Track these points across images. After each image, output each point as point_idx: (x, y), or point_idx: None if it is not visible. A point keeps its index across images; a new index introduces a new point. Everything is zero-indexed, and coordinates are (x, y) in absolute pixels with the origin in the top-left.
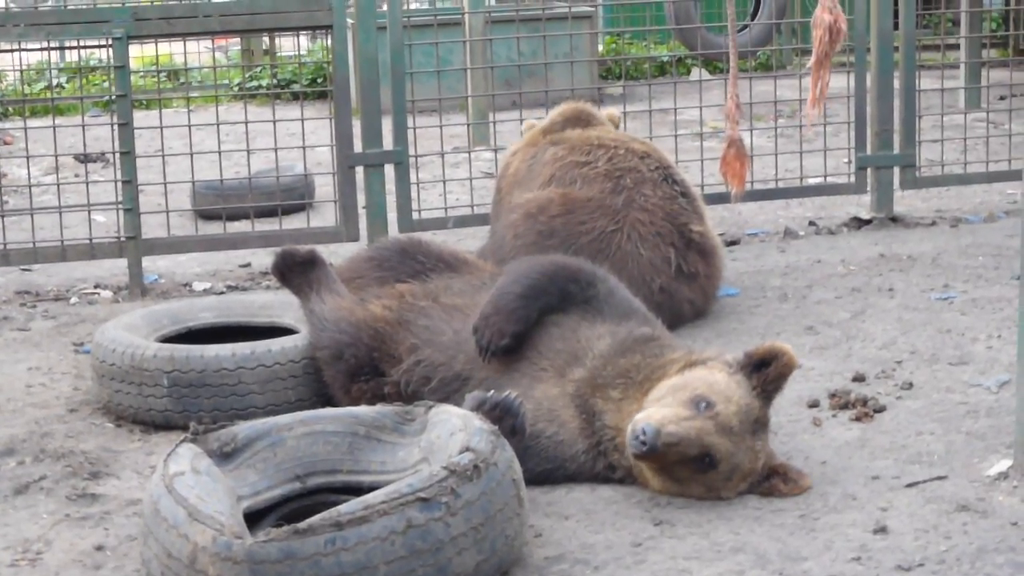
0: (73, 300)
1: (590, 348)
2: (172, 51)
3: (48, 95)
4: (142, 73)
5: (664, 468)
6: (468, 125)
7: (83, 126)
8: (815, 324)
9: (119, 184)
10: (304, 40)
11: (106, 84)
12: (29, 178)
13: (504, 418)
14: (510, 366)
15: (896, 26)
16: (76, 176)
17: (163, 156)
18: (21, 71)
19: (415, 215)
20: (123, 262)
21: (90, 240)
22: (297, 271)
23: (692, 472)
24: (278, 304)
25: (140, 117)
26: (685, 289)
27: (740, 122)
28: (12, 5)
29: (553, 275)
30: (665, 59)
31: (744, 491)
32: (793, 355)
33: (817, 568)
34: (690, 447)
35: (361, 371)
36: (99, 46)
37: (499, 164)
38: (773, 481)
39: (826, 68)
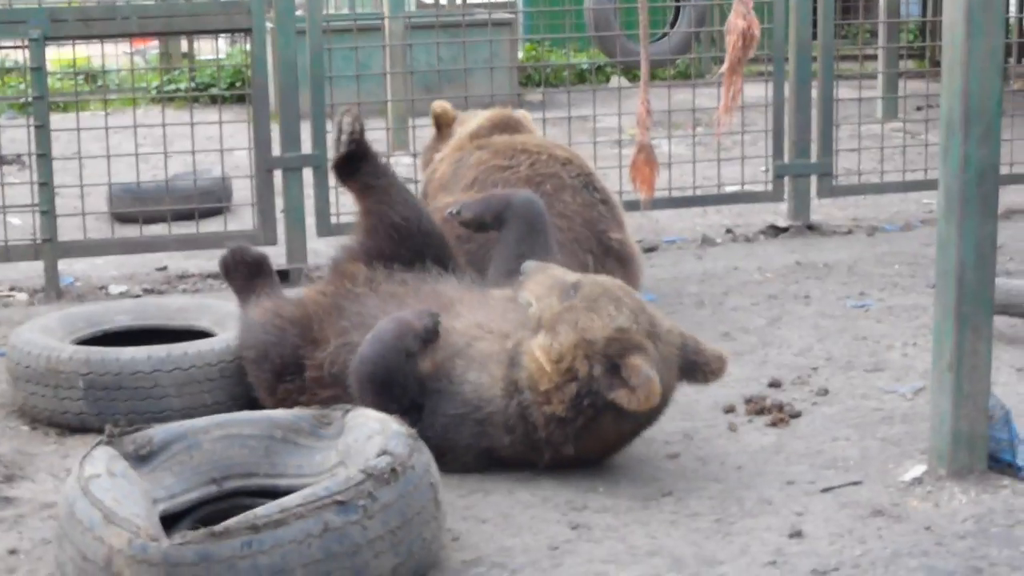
0: None
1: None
2: (90, 53)
3: None
4: (59, 75)
5: None
6: (388, 130)
7: None
8: (731, 330)
9: (35, 186)
10: (223, 43)
11: (22, 86)
12: None
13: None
14: (447, 334)
15: (815, 36)
16: None
17: (80, 159)
18: None
19: (333, 219)
20: (39, 265)
21: (5, 242)
22: (243, 271)
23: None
24: (194, 307)
25: (57, 119)
26: None
27: (651, 128)
28: None
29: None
30: (584, 66)
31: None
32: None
33: (733, 572)
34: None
35: (287, 371)
36: (15, 47)
37: (420, 163)
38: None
39: (739, 74)
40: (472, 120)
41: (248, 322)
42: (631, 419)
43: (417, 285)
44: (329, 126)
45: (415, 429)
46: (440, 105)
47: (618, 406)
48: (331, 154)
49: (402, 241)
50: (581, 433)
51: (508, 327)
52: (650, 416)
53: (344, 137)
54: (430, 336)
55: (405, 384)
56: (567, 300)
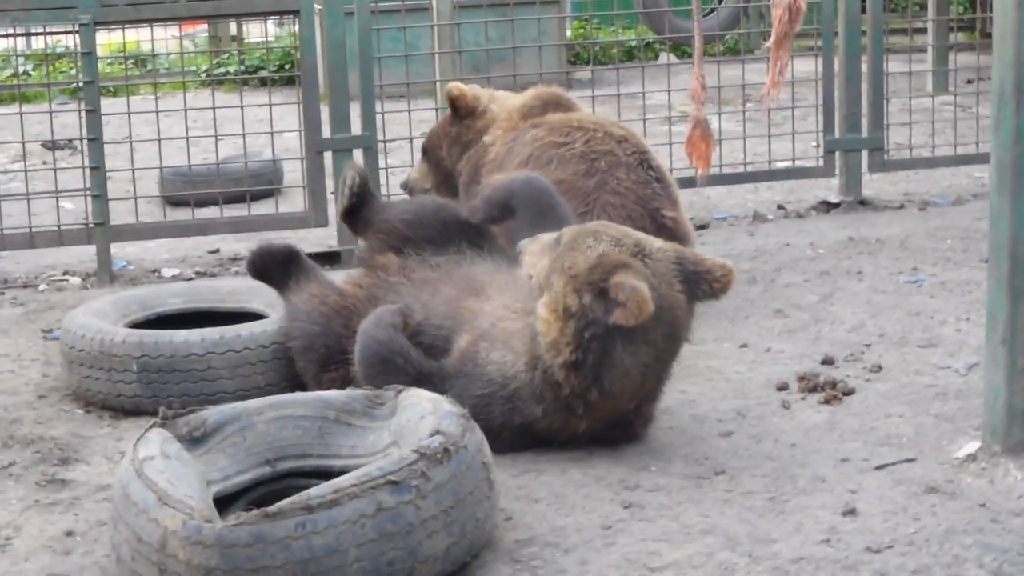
0: (42, 287)
1: None
2: (139, 38)
3: (15, 82)
4: (109, 60)
5: None
6: (436, 110)
7: (50, 113)
8: (784, 307)
9: (87, 171)
10: (272, 26)
11: (73, 71)
12: None
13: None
14: (475, 316)
15: (863, 10)
16: (44, 163)
17: (131, 143)
18: None
19: (384, 198)
20: (92, 249)
21: (58, 227)
22: (275, 267)
23: None
24: (246, 289)
25: (107, 104)
26: None
27: (705, 103)
28: None
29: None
30: (633, 44)
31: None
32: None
33: (786, 550)
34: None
35: (332, 359)
36: (66, 32)
37: (428, 144)
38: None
39: (785, 48)
40: (513, 99)
41: (293, 311)
42: (643, 346)
43: (450, 270)
44: (378, 107)
45: None
46: (457, 87)
47: (622, 331)
48: (337, 205)
49: (416, 234)
50: (599, 373)
51: (532, 304)
52: (667, 343)
53: (346, 191)
54: (405, 311)
55: (404, 353)
56: (553, 253)
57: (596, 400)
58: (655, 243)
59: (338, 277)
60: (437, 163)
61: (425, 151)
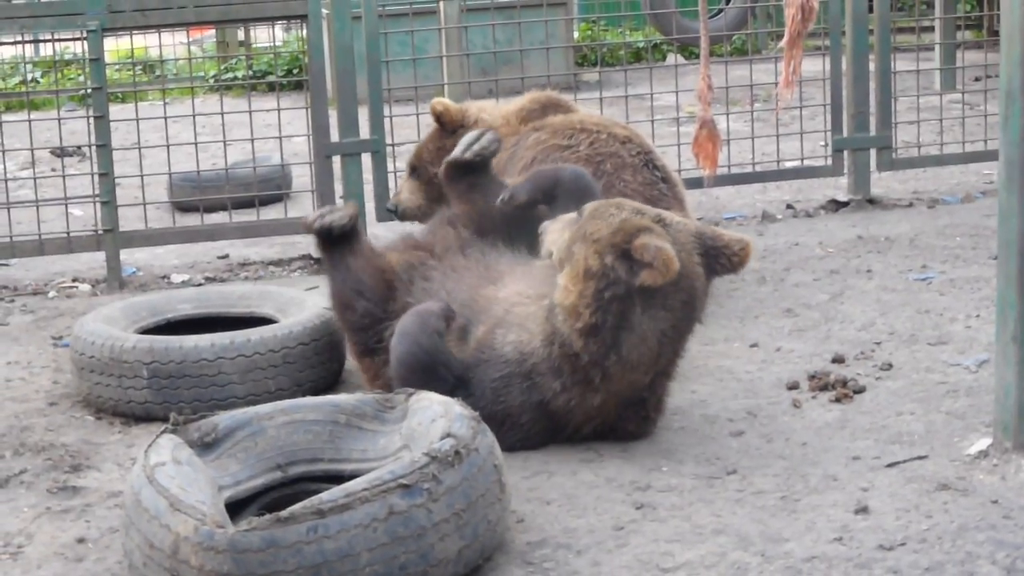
0: (51, 294)
1: None
2: (147, 44)
3: (23, 89)
4: (117, 66)
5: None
6: None
7: (59, 120)
8: (794, 306)
9: (96, 177)
10: (279, 31)
11: (81, 78)
12: (5, 173)
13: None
14: (491, 304)
15: (871, 8)
16: (53, 170)
17: (139, 149)
18: None
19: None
20: (101, 255)
21: (67, 234)
22: (337, 240)
23: None
24: (256, 294)
25: (116, 110)
26: None
27: (712, 104)
28: None
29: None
30: (640, 45)
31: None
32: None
33: (799, 549)
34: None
35: (372, 326)
36: (74, 39)
37: (414, 160)
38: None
39: (798, 48)
40: (505, 106)
41: (337, 274)
42: (661, 311)
43: (477, 259)
44: (386, 111)
45: (467, 401)
46: (440, 102)
47: (643, 294)
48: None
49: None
50: (618, 337)
51: (546, 289)
52: (684, 310)
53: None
54: (448, 312)
55: (447, 362)
56: (575, 225)
57: (614, 367)
58: (676, 216)
59: (387, 241)
60: (428, 180)
61: (414, 168)
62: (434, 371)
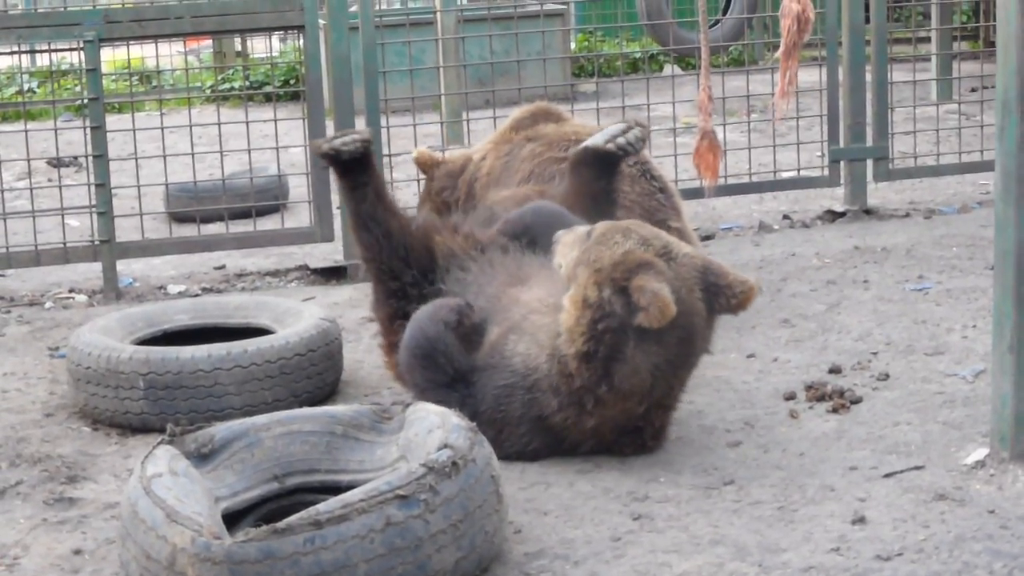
0: (48, 305)
1: None
2: (144, 54)
3: (19, 100)
4: (114, 76)
5: None
6: (442, 124)
7: (55, 130)
8: (790, 317)
9: (92, 188)
10: (276, 41)
11: (78, 88)
12: (1, 183)
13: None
14: (512, 306)
15: (867, 19)
16: (49, 180)
17: (136, 159)
18: None
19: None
20: (97, 266)
21: (64, 244)
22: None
23: None
24: (253, 305)
25: (112, 120)
26: None
27: (712, 114)
28: None
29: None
30: (637, 55)
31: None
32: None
33: (796, 559)
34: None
35: (393, 274)
36: (70, 49)
37: (460, 166)
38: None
39: (794, 58)
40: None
41: (390, 244)
42: (655, 346)
43: (513, 256)
44: (383, 121)
45: (467, 401)
46: (420, 153)
47: (636, 330)
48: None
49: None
50: (609, 367)
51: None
52: (680, 347)
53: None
54: (464, 309)
55: (448, 353)
56: (583, 245)
57: (605, 395)
58: (684, 248)
59: (432, 220)
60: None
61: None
62: (434, 359)
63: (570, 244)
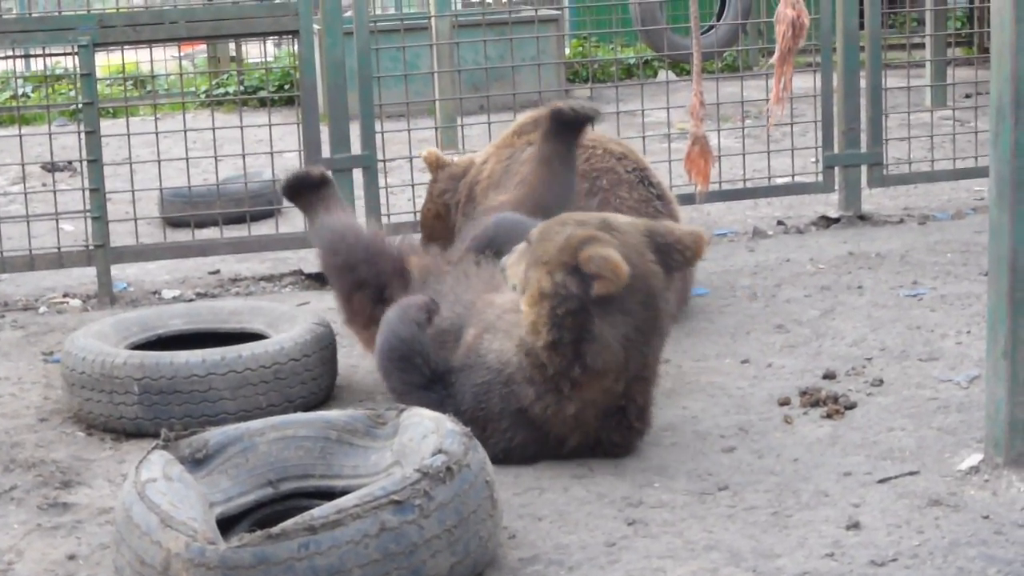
0: (42, 309)
1: None
2: (138, 59)
3: (14, 104)
4: (109, 81)
5: None
6: (436, 129)
7: (50, 135)
8: (785, 322)
9: (87, 192)
10: (271, 46)
11: (72, 92)
12: None
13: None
14: (487, 308)
15: (862, 25)
16: (43, 185)
17: (131, 164)
18: None
19: (384, 219)
20: (92, 271)
21: (58, 249)
22: (309, 191)
23: None
24: (247, 310)
25: (107, 125)
26: None
27: (704, 120)
28: None
29: None
30: (632, 61)
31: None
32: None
33: (791, 565)
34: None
35: (367, 284)
36: (65, 54)
37: (463, 170)
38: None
39: (789, 64)
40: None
41: (337, 230)
42: (619, 316)
43: (485, 267)
44: (378, 126)
45: (447, 401)
46: (429, 152)
47: (597, 304)
48: None
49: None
50: (580, 348)
51: None
52: (645, 312)
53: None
54: (432, 306)
55: (424, 353)
56: (528, 252)
57: (580, 377)
58: (623, 218)
59: (410, 243)
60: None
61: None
62: (410, 360)
63: (516, 260)
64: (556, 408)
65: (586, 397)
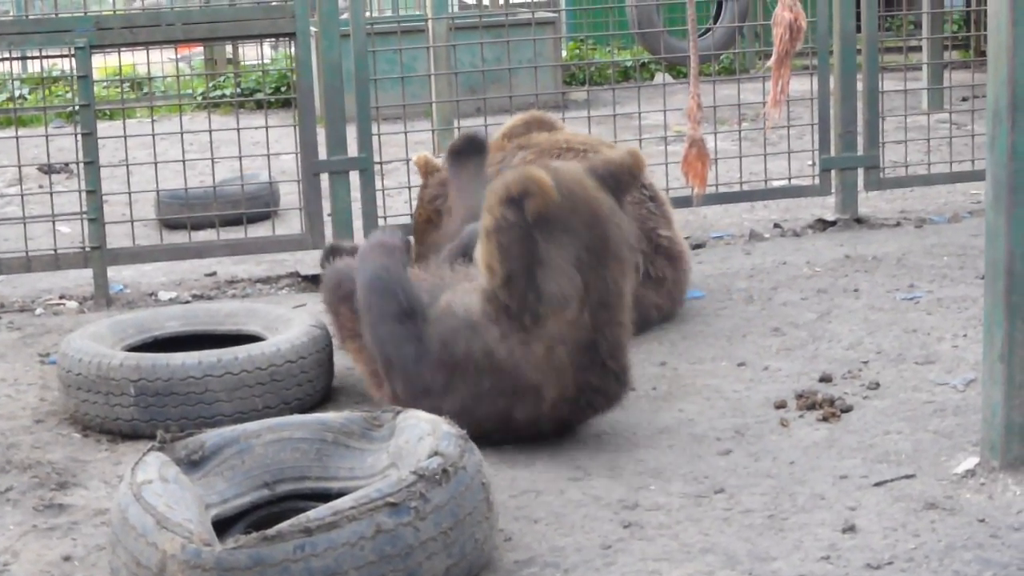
0: (38, 311)
1: None
2: (135, 61)
3: (11, 106)
4: (105, 83)
5: None
6: (433, 131)
7: (46, 137)
8: (781, 325)
9: (83, 194)
10: (267, 48)
11: (69, 95)
12: None
13: None
14: (462, 281)
15: (859, 28)
16: (40, 187)
17: (127, 166)
18: None
19: (380, 222)
20: (88, 272)
21: (55, 251)
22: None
23: None
24: (244, 312)
25: (104, 127)
26: (652, 294)
27: (702, 122)
28: None
29: None
30: (628, 64)
31: None
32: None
33: (787, 568)
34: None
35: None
36: (61, 56)
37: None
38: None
39: (787, 67)
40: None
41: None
42: (564, 236)
43: (461, 270)
44: (375, 129)
45: (420, 338)
46: (420, 157)
47: (539, 228)
48: None
49: None
50: (533, 275)
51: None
52: (591, 230)
53: None
54: (403, 238)
55: (405, 287)
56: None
57: (540, 308)
58: (555, 162)
59: None
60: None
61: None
62: (392, 292)
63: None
64: (524, 349)
65: (552, 333)
